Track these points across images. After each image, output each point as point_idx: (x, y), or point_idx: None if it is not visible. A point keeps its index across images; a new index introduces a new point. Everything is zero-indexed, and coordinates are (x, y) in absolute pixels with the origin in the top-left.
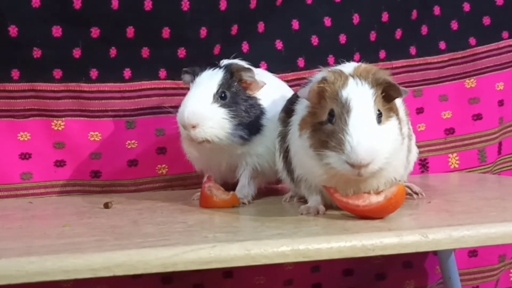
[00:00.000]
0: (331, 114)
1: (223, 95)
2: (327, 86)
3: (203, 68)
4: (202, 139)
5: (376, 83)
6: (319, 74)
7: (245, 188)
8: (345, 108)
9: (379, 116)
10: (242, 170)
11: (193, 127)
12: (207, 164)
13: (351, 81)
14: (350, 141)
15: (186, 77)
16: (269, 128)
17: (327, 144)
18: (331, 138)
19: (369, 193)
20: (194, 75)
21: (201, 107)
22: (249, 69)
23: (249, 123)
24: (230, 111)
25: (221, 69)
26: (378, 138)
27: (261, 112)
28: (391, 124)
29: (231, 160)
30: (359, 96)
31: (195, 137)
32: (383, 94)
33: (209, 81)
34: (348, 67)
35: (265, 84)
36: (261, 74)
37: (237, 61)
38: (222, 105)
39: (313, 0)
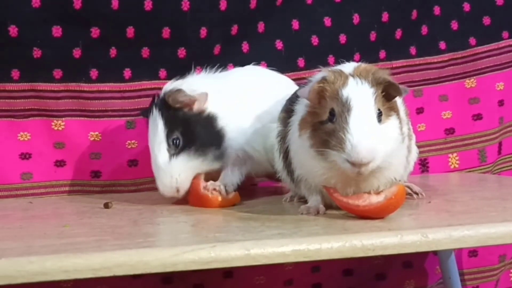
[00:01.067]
0: (332, 113)
1: (176, 142)
2: (327, 86)
3: (146, 111)
4: (187, 190)
5: (376, 82)
6: (319, 74)
7: (228, 176)
8: (345, 107)
9: (379, 115)
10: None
11: (177, 192)
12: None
13: (351, 80)
14: (351, 140)
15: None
16: (230, 123)
17: (328, 143)
18: (331, 137)
19: (369, 193)
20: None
21: (167, 173)
22: (178, 90)
23: (213, 140)
24: (190, 150)
25: (157, 110)
26: (378, 136)
27: (214, 121)
28: (391, 123)
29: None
30: (359, 95)
31: (183, 195)
32: (383, 94)
33: (155, 136)
34: (348, 67)
35: (206, 94)
36: (202, 78)
37: (170, 85)
38: (180, 151)
39: (313, 0)
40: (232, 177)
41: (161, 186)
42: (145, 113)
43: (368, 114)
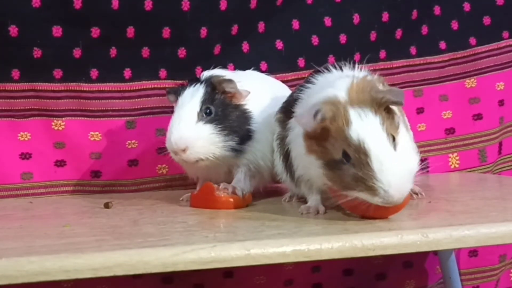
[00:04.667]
0: (346, 155)
1: (207, 111)
2: (329, 125)
3: (184, 86)
4: (195, 160)
5: (378, 106)
6: (314, 101)
7: (240, 182)
8: (361, 151)
9: (393, 140)
10: (238, 168)
11: (183, 150)
12: (207, 176)
13: (352, 114)
14: (383, 187)
15: (170, 97)
16: (260, 132)
17: (355, 186)
18: (357, 182)
19: None
20: (177, 95)
21: (187, 129)
22: (230, 80)
23: (239, 132)
24: (217, 125)
25: (202, 84)
26: (404, 169)
27: (249, 119)
28: (401, 135)
29: (228, 166)
30: (370, 133)
31: (188, 159)
32: (386, 110)
33: (191, 100)
34: (340, 88)
35: (249, 93)
36: (248, 76)
37: (217, 72)
38: (208, 121)
39: (313, 0)
40: (244, 184)
41: (172, 137)
42: (176, 90)
43: (386, 152)
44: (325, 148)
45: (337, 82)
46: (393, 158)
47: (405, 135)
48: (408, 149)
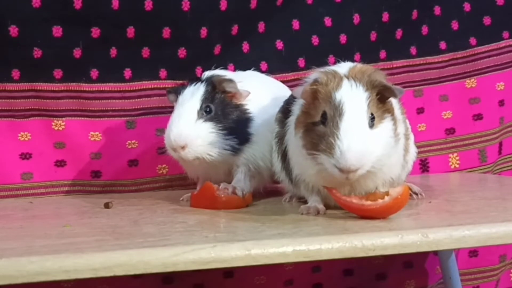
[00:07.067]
0: (324, 116)
1: (207, 110)
2: (320, 87)
3: (185, 85)
4: (193, 158)
5: (371, 86)
6: (313, 74)
7: (240, 182)
8: (337, 111)
9: (372, 119)
10: (238, 169)
11: (182, 148)
12: (207, 176)
13: (345, 82)
14: (340, 146)
15: (171, 96)
16: (259, 133)
17: (318, 146)
18: (322, 140)
19: (373, 194)
20: (177, 94)
21: (187, 126)
22: (230, 80)
23: (238, 132)
24: (216, 124)
25: (203, 83)
26: (369, 143)
27: (249, 119)
28: (384, 126)
29: (228, 166)
30: (353, 99)
31: (186, 157)
32: (378, 96)
33: (191, 98)
34: (343, 67)
35: (249, 93)
36: (249, 77)
37: (219, 72)
38: (208, 120)
39: (313, 0)
40: (244, 184)
41: (172, 134)
42: (176, 89)
43: (360, 119)
44: (309, 114)
45: (342, 64)
46: (363, 130)
47: (388, 130)
48: (382, 139)
